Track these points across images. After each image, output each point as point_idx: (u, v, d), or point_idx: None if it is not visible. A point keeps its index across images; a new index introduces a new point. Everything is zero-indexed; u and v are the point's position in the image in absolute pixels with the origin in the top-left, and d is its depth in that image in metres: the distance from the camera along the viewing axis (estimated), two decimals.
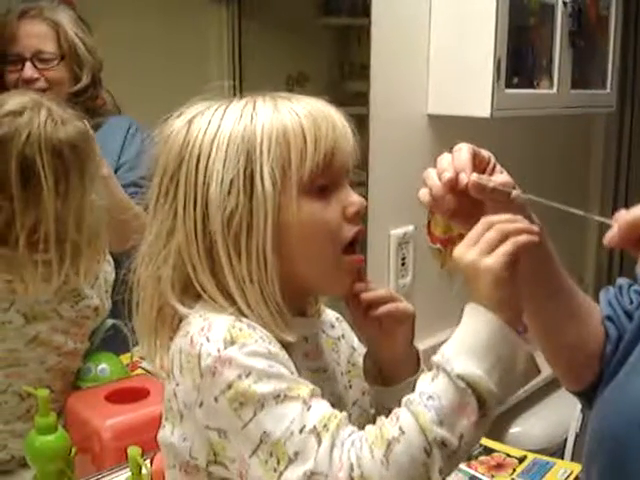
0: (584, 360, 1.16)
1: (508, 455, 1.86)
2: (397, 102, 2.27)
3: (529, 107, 2.40)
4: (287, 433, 0.80)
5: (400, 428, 0.80)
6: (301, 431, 0.80)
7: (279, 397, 0.82)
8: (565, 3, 2.46)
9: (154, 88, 2.24)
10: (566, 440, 2.40)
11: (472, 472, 1.75)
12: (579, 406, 2.31)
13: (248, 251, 0.90)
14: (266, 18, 2.60)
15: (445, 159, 0.98)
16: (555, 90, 2.51)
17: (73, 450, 1.38)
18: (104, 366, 1.59)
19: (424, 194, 0.98)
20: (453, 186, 0.95)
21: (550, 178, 2.95)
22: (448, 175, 0.95)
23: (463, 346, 0.83)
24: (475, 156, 0.98)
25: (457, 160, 0.97)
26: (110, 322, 1.59)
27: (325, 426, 0.81)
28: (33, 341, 1.47)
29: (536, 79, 2.49)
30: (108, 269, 1.56)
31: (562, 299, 1.14)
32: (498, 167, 1.03)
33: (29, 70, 1.61)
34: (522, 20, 2.37)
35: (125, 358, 1.67)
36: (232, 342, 0.84)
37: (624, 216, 0.86)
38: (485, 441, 1.92)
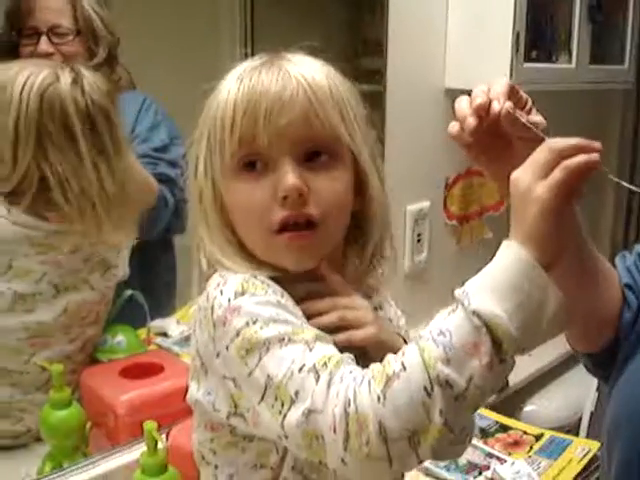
0: (598, 324, 1.14)
1: (525, 432, 1.85)
2: (414, 76, 2.24)
3: (547, 81, 2.37)
4: (288, 373, 0.79)
5: (403, 363, 0.75)
6: (300, 370, 0.79)
7: (283, 340, 0.81)
8: None
9: (165, 59, 2.23)
10: (581, 418, 2.40)
11: (489, 449, 1.75)
12: (595, 384, 2.31)
13: (212, 228, 0.94)
14: None
15: (480, 87, 0.94)
16: (573, 65, 2.48)
17: (88, 425, 1.38)
18: (121, 338, 1.59)
19: (453, 125, 0.94)
20: (484, 114, 0.91)
21: None
22: (480, 100, 0.90)
23: (487, 282, 0.77)
24: (513, 92, 0.94)
25: (493, 89, 0.92)
26: (129, 292, 1.60)
27: (325, 364, 0.78)
28: (62, 312, 1.47)
29: (554, 53, 2.46)
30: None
31: (584, 261, 1.10)
32: (535, 111, 0.98)
33: (44, 44, 1.60)
34: None
35: (142, 333, 1.68)
36: (242, 293, 0.86)
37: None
38: (501, 418, 1.91)
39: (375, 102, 2.15)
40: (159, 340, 1.72)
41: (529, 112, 0.97)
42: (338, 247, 0.97)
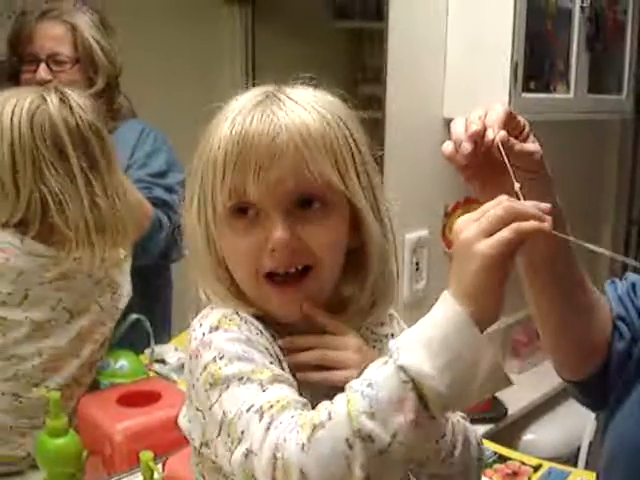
0: (586, 352, 1.13)
1: (523, 463, 1.84)
2: (413, 105, 2.26)
3: (546, 111, 2.38)
4: (238, 412, 0.79)
5: (330, 413, 0.74)
6: (248, 410, 0.78)
7: (242, 379, 0.81)
8: (582, 8, 2.44)
9: (167, 89, 2.24)
10: (580, 448, 2.39)
11: None
12: (593, 414, 2.30)
13: (203, 265, 0.94)
14: (279, 21, 2.60)
15: (476, 112, 0.94)
16: (572, 95, 2.50)
17: (84, 453, 1.38)
18: (124, 363, 1.60)
19: (447, 145, 0.94)
20: (478, 141, 0.91)
21: (565, 183, 2.93)
22: (475, 127, 0.91)
23: (420, 336, 0.74)
24: (510, 118, 0.95)
25: (489, 116, 0.93)
26: (134, 317, 1.60)
27: (271, 407, 0.78)
28: (76, 336, 1.49)
29: (553, 83, 2.48)
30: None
31: (576, 295, 1.10)
32: (532, 137, 0.99)
33: (43, 72, 1.62)
34: (539, 24, 2.36)
35: (144, 358, 1.69)
36: (217, 328, 0.87)
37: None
38: (499, 449, 1.90)
39: (374, 129, 2.16)
40: (157, 367, 1.71)
41: (526, 138, 0.98)
42: (336, 285, 0.96)
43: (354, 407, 0.73)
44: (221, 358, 0.84)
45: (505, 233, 0.73)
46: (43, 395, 1.38)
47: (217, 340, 0.86)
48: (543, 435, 2.57)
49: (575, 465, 2.29)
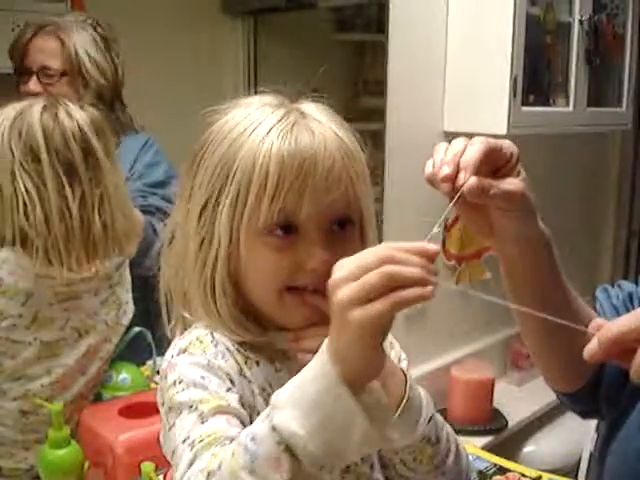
0: (576, 368, 1.12)
1: (523, 475, 1.84)
2: (413, 119, 2.27)
3: (545, 125, 2.40)
4: (179, 442, 0.81)
5: (220, 462, 0.75)
6: (184, 442, 0.80)
7: (191, 407, 0.83)
8: (581, 21, 2.46)
9: (169, 101, 2.26)
10: (580, 460, 2.39)
11: None
12: (593, 426, 2.30)
13: (205, 276, 0.93)
14: (281, 33, 2.62)
15: (452, 149, 0.90)
16: (571, 108, 2.51)
17: (86, 465, 1.38)
18: (125, 376, 1.61)
19: (428, 167, 0.92)
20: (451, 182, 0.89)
21: (566, 196, 2.95)
22: (446, 171, 0.88)
23: (294, 393, 0.73)
24: (492, 152, 0.91)
25: (465, 155, 0.89)
26: (137, 330, 1.61)
27: (201, 441, 0.79)
28: (84, 354, 1.50)
29: (552, 97, 2.49)
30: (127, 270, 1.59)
31: (561, 315, 1.08)
32: (518, 169, 0.96)
33: (32, 84, 1.69)
34: (538, 38, 2.38)
35: (146, 370, 1.70)
36: (184, 351, 0.90)
37: (606, 334, 0.73)
38: (499, 460, 1.90)
39: (375, 141, 2.17)
40: (157, 378, 1.72)
41: (511, 171, 0.95)
42: None
43: (236, 461, 0.73)
44: (180, 382, 0.86)
45: (378, 305, 0.69)
46: (45, 406, 1.38)
47: (180, 364, 0.88)
48: (543, 447, 2.57)
49: (575, 477, 2.29)
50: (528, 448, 2.56)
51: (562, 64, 2.51)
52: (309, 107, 0.93)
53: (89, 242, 1.43)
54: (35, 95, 1.60)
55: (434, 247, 0.72)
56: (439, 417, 0.98)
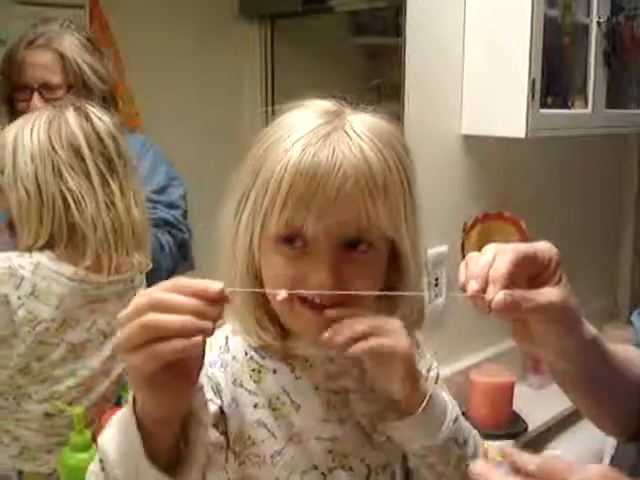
0: (628, 417, 1.08)
1: None
2: (431, 122, 2.27)
3: (564, 127, 2.38)
4: None
5: None
6: None
7: None
8: (599, 23, 2.44)
9: (186, 106, 2.26)
10: (602, 462, 2.37)
11: None
12: None
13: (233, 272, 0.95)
14: (298, 38, 2.62)
15: (481, 260, 0.86)
16: (590, 110, 2.49)
17: None
18: None
19: (460, 276, 0.89)
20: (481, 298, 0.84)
21: (585, 197, 2.93)
22: (473, 287, 0.84)
23: (119, 416, 0.77)
24: (524, 259, 0.86)
25: (495, 266, 0.85)
26: None
27: None
28: (109, 357, 1.51)
29: (570, 99, 2.48)
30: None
31: (600, 380, 1.02)
32: (559, 275, 0.89)
33: (37, 101, 1.63)
34: (556, 40, 2.36)
35: None
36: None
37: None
38: None
39: None
40: None
41: (549, 279, 0.89)
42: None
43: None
44: None
45: (135, 358, 0.68)
46: (66, 410, 1.39)
47: None
48: (564, 451, 2.55)
49: None
50: (549, 451, 2.55)
51: (580, 66, 2.50)
52: (356, 119, 0.92)
53: (132, 237, 1.48)
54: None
55: (215, 287, 0.69)
56: (466, 424, 0.99)
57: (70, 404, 1.46)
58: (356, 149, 0.88)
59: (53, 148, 1.41)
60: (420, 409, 0.90)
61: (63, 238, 1.42)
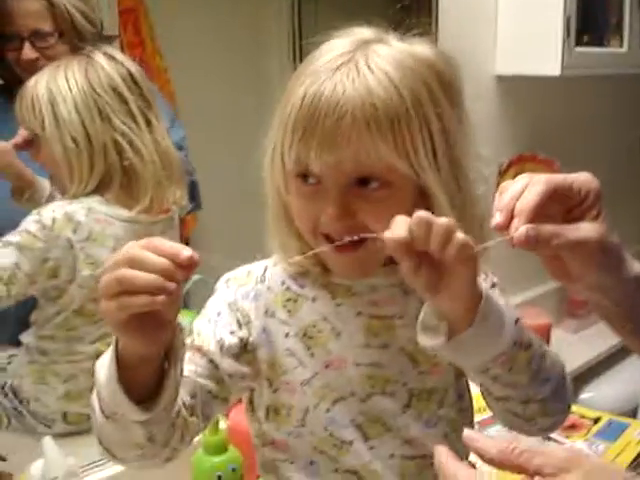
0: None
1: (582, 416, 1.84)
2: (464, 61, 2.22)
3: (599, 66, 2.36)
4: None
5: None
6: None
7: (192, 333, 0.99)
8: None
9: (215, 57, 2.26)
10: (638, 404, 2.38)
11: None
12: None
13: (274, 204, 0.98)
14: (327, 4, 2.60)
15: (511, 190, 0.82)
16: (625, 48, 2.46)
17: None
18: (186, 323, 1.62)
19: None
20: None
21: (618, 140, 2.90)
22: (497, 220, 0.81)
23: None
24: (558, 191, 0.82)
25: (522, 198, 0.81)
26: (197, 277, 1.63)
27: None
28: None
29: (606, 37, 2.44)
30: None
31: None
32: (597, 209, 0.84)
33: (28, 50, 1.56)
34: None
35: None
36: (227, 280, 1.05)
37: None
38: None
39: None
40: None
41: (586, 212, 0.84)
42: None
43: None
44: (205, 308, 1.02)
45: (106, 305, 0.73)
46: None
47: (217, 292, 1.03)
48: (601, 393, 2.55)
49: (634, 417, 2.28)
50: (586, 394, 2.55)
51: (616, 4, 2.46)
52: (381, 49, 0.89)
53: (176, 172, 1.50)
54: (34, 61, 1.53)
55: (186, 253, 0.72)
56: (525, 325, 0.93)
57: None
58: (360, 81, 0.85)
59: (96, 93, 1.41)
60: (480, 310, 0.79)
61: (116, 181, 1.43)
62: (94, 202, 1.42)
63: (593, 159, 2.77)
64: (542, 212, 0.80)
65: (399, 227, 0.75)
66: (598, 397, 2.52)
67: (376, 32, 0.92)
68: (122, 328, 0.74)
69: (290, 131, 0.87)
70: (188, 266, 0.73)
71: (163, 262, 0.72)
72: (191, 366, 0.92)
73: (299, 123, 0.86)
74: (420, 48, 0.92)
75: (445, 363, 0.98)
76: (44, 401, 1.50)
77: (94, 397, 0.83)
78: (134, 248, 0.73)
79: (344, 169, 0.86)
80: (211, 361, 0.94)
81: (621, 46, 2.46)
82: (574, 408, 1.90)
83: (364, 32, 0.92)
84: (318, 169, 0.87)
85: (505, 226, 0.80)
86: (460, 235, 0.75)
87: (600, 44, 2.42)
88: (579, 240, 0.80)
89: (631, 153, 3.03)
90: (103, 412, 0.82)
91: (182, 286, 0.74)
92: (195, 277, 1.61)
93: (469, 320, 0.79)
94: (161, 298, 0.71)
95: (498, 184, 2.41)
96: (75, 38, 1.60)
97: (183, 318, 1.61)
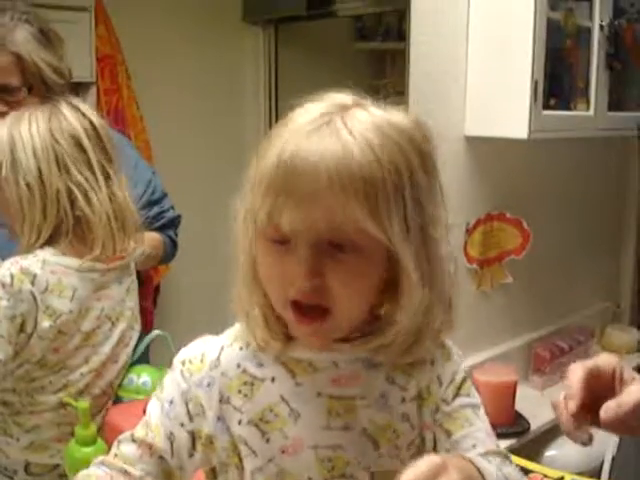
0: None
1: (545, 476, 1.84)
2: (434, 124, 2.26)
3: (566, 129, 2.40)
4: None
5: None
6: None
7: (143, 419, 1.02)
8: (602, 26, 2.46)
9: (189, 108, 2.28)
10: (603, 463, 2.38)
11: None
12: None
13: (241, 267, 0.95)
14: (302, 42, 2.64)
15: (574, 375, 0.95)
16: (592, 112, 2.51)
17: None
18: (147, 379, 1.62)
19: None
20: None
21: (586, 200, 2.95)
22: (564, 417, 0.96)
23: None
24: (592, 375, 0.94)
25: (569, 384, 0.94)
26: (156, 333, 1.63)
27: (114, 455, 1.00)
28: (117, 342, 1.54)
29: (573, 101, 2.49)
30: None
31: None
32: (627, 374, 0.95)
33: None
34: (559, 42, 2.39)
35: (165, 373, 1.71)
36: (183, 363, 1.01)
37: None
38: (521, 461, 1.90)
39: None
40: None
41: (620, 381, 0.95)
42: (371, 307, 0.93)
43: None
44: (159, 389, 1.01)
45: None
46: (71, 404, 1.41)
47: (172, 372, 1.00)
48: (565, 451, 2.55)
49: (598, 477, 2.28)
50: (550, 452, 2.55)
51: (583, 68, 2.52)
52: (360, 114, 0.87)
53: (129, 224, 1.52)
54: (3, 114, 1.53)
55: None
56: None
57: (82, 392, 1.48)
58: (338, 144, 0.83)
59: (56, 141, 1.42)
60: None
61: (68, 231, 1.44)
62: (47, 254, 1.43)
63: (561, 219, 2.82)
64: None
65: None
66: (561, 456, 2.52)
67: (354, 97, 0.91)
68: None
69: (264, 189, 0.85)
70: None
71: None
72: (142, 465, 0.96)
73: (274, 181, 0.84)
74: (399, 117, 0.90)
75: (405, 446, 0.97)
76: (6, 452, 1.49)
77: None
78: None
79: (317, 229, 0.83)
80: (161, 457, 0.97)
81: (588, 110, 2.51)
82: (537, 467, 1.91)
83: (342, 97, 0.90)
84: (290, 228, 0.84)
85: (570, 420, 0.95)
86: None
87: (567, 108, 2.46)
88: (610, 418, 0.93)
89: (599, 213, 3.08)
90: None
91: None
92: (155, 332, 1.63)
93: None
94: None
95: (465, 242, 2.44)
96: (44, 90, 1.63)
97: (142, 374, 1.62)
